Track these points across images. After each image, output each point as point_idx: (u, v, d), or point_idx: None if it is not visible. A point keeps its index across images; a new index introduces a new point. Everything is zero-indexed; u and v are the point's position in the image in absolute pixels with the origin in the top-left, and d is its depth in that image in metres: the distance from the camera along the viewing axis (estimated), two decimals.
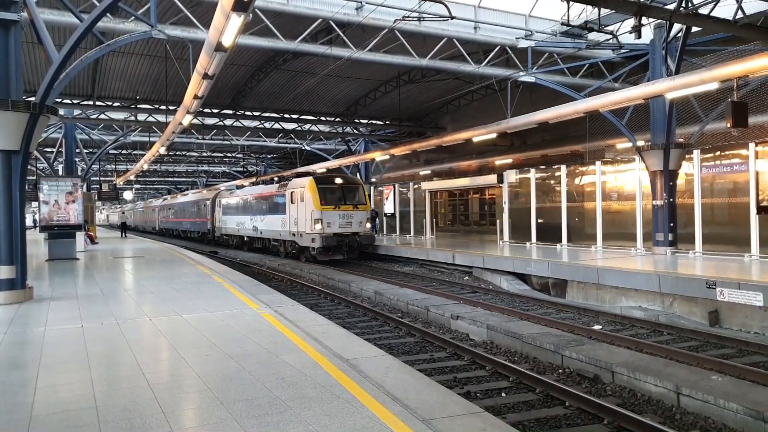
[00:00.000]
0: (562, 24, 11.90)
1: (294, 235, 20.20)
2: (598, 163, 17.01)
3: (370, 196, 23.35)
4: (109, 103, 21.45)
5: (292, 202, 20.43)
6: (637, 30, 9.94)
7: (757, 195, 12.69)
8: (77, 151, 24.77)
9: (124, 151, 34.33)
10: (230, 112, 23.36)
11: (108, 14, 10.12)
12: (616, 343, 8.13)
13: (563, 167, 17.93)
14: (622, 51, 15.49)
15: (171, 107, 19.49)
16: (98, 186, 32.16)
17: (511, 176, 20.16)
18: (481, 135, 17.39)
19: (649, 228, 15.12)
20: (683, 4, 10.67)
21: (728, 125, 10.82)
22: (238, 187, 31.31)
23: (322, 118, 25.64)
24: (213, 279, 11.58)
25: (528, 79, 15.74)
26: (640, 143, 15.00)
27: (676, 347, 7.97)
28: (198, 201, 34.23)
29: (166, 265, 14.98)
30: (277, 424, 3.75)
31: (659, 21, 13.54)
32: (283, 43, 13.07)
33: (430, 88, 22.60)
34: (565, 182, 17.77)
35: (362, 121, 26.81)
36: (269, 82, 21.22)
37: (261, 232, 23.85)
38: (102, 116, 22.44)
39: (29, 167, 10.40)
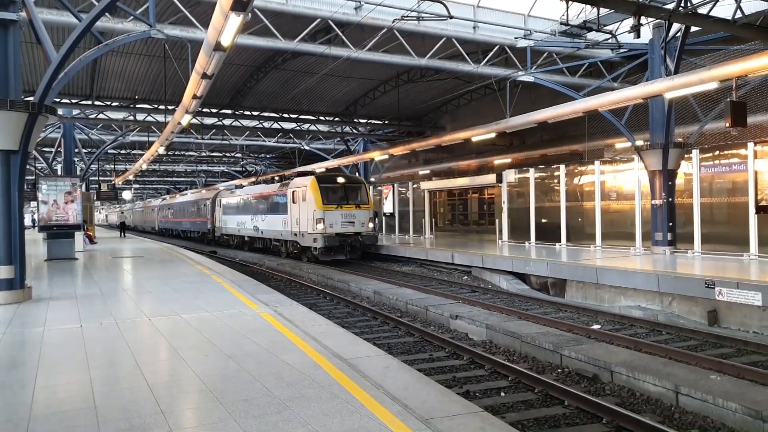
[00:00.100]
0: (561, 24, 11.90)
1: (296, 235, 20.00)
2: (597, 162, 17.02)
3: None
4: (108, 103, 21.44)
5: (293, 202, 20.19)
6: (636, 29, 9.94)
7: (756, 195, 12.70)
8: (76, 150, 24.75)
9: (122, 151, 34.29)
10: (229, 111, 23.35)
11: (106, 14, 10.12)
12: (615, 343, 8.14)
13: (562, 167, 17.94)
14: (621, 50, 15.50)
15: (170, 107, 19.47)
16: (97, 186, 32.15)
17: (510, 176, 20.17)
18: (480, 135, 17.39)
19: (648, 227, 15.13)
20: (682, 4, 10.68)
21: (727, 125, 10.82)
22: (238, 187, 31.19)
23: (321, 118, 25.63)
24: (212, 279, 11.58)
25: (527, 78, 15.75)
26: (639, 143, 15.01)
27: (675, 347, 7.98)
28: (198, 200, 34.04)
29: (165, 264, 14.98)
30: (276, 423, 3.75)
31: (658, 21, 13.54)
32: (282, 42, 13.06)
33: (429, 87, 22.61)
34: (564, 182, 17.78)
35: (361, 120, 26.81)
36: (268, 81, 21.21)
37: (262, 232, 23.65)
38: (101, 116, 22.42)
39: (28, 167, 10.40)
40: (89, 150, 28.60)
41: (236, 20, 7.15)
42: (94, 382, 4.68)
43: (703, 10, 11.30)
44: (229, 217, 27.93)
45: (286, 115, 25.37)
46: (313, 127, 26.40)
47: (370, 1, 13.09)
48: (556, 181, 18.32)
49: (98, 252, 20.05)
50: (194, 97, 11.74)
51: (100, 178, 34.89)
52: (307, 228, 18.97)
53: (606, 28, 13.37)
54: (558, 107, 14.30)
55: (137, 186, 62.46)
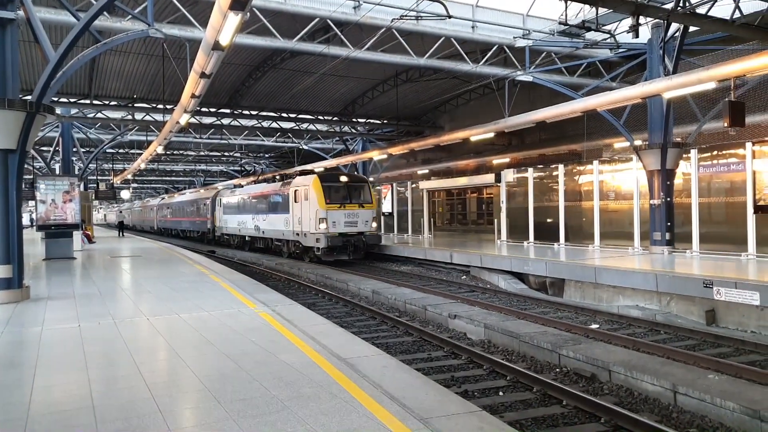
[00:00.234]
0: (560, 23, 11.91)
1: (298, 234, 19.71)
2: (595, 162, 17.04)
3: None
4: (106, 102, 21.42)
5: (295, 201, 19.87)
6: (634, 29, 9.96)
7: (754, 194, 12.73)
8: (74, 150, 24.70)
9: (121, 150, 34.24)
10: (228, 111, 23.31)
11: (105, 13, 10.10)
12: (614, 342, 8.15)
13: (561, 166, 17.95)
14: (620, 50, 15.51)
15: (168, 106, 19.46)
16: (95, 185, 32.10)
17: (509, 175, 20.17)
18: (478, 134, 17.40)
19: (646, 227, 15.15)
20: (680, 4, 10.68)
21: (725, 125, 10.84)
22: (237, 186, 31.07)
23: (320, 117, 25.62)
24: (211, 278, 11.57)
25: (526, 78, 15.75)
26: (638, 142, 15.03)
27: (673, 346, 7.99)
28: (198, 200, 33.70)
29: (164, 264, 14.96)
30: (274, 423, 3.74)
31: (657, 20, 13.56)
32: (281, 42, 13.05)
33: (427, 87, 22.62)
34: (563, 181, 17.79)
35: (360, 120, 26.81)
36: (267, 81, 21.20)
37: (263, 232, 23.35)
38: (99, 115, 22.38)
39: (26, 166, 10.37)
40: (87, 149, 28.53)
41: (235, 19, 7.14)
42: (92, 382, 4.67)
43: (701, 10, 11.31)
44: (230, 216, 27.62)
45: (284, 115, 25.36)
46: (311, 127, 26.40)
47: (369, 1, 13.09)
48: (554, 180, 18.33)
49: (96, 251, 20.03)
50: (193, 96, 11.73)
51: (99, 178, 34.87)
52: (310, 228, 18.68)
53: (604, 27, 13.39)
54: (556, 107, 14.32)
55: (135, 185, 62.38)
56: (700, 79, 10.65)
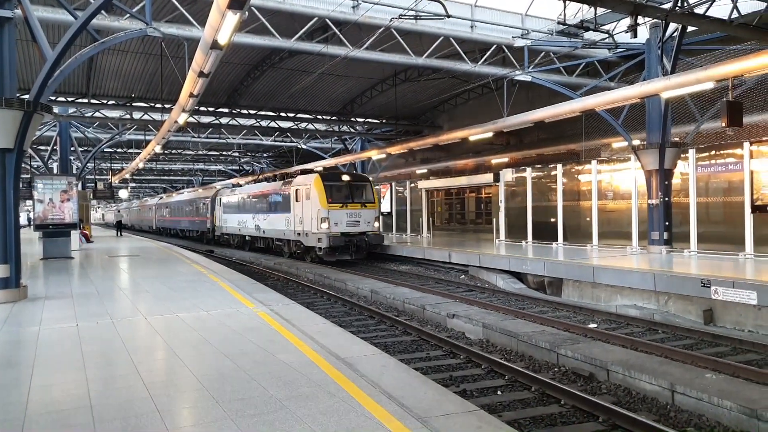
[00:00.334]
0: (559, 23, 11.94)
1: (299, 234, 19.43)
2: (594, 162, 17.06)
3: None
4: (104, 101, 21.38)
5: (297, 200, 19.56)
6: (633, 29, 9.96)
7: (752, 194, 12.76)
8: (72, 149, 24.65)
9: (119, 150, 34.22)
10: (226, 110, 23.30)
11: (103, 12, 10.09)
12: (612, 342, 8.16)
13: (559, 166, 17.97)
14: (618, 50, 15.53)
15: (166, 105, 19.45)
16: (93, 184, 32.04)
17: (508, 175, 20.19)
18: (477, 134, 17.41)
19: (644, 227, 15.17)
20: (679, 4, 10.69)
21: (723, 124, 10.86)
22: (236, 185, 30.94)
23: (319, 117, 25.61)
24: (209, 278, 11.56)
25: (524, 78, 15.76)
26: (636, 142, 15.04)
27: (670, 345, 8.00)
28: (197, 199, 33.36)
29: (162, 263, 14.94)
30: (272, 423, 3.74)
31: (655, 20, 13.58)
32: (279, 41, 13.04)
33: (426, 86, 22.62)
34: (561, 181, 17.81)
35: (359, 119, 26.80)
36: (265, 80, 21.18)
37: (264, 232, 23.06)
38: (97, 114, 22.36)
39: (23, 165, 10.35)
40: (85, 148, 28.51)
41: (233, 18, 7.13)
42: (90, 382, 4.66)
43: (699, 10, 11.33)
44: (230, 216, 27.32)
45: (283, 114, 25.35)
46: (310, 126, 26.39)
47: (368, 0, 13.08)
48: (553, 180, 18.35)
49: (94, 251, 20.00)
50: (191, 95, 11.72)
51: (97, 177, 34.81)
52: (311, 227, 18.40)
53: (603, 27, 13.40)
54: (555, 107, 14.33)
55: (134, 185, 62.34)
56: (698, 79, 10.67)
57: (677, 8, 10.63)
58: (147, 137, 26.09)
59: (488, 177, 21.71)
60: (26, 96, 8.70)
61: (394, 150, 23.05)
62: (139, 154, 28.94)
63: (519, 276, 14.43)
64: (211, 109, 22.68)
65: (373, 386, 4.44)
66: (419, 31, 14.19)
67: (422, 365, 7.28)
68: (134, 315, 7.54)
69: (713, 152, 14.26)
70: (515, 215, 19.65)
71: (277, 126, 26.10)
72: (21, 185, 10.45)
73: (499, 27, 15.38)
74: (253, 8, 11.73)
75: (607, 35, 13.53)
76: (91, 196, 29.94)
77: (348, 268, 17.68)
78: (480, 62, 15.75)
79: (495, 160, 24.90)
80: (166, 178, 56.97)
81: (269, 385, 4.48)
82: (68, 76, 16.08)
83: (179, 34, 11.81)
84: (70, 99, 20.47)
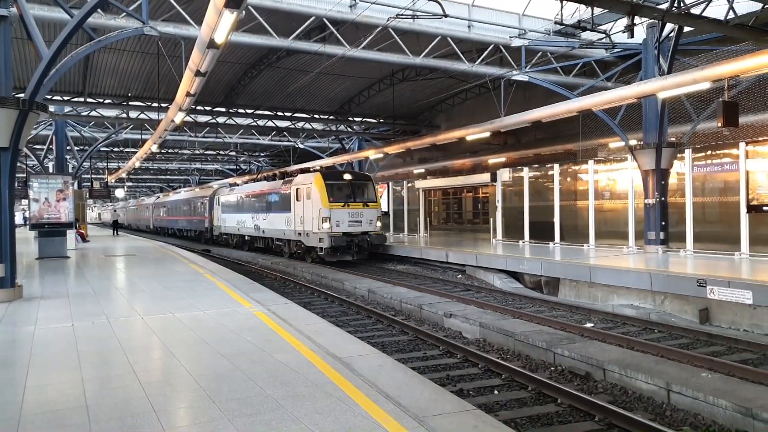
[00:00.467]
0: (556, 23, 11.95)
1: (300, 234, 19.09)
2: (590, 162, 17.09)
3: None
4: (101, 100, 21.32)
5: (297, 200, 19.19)
6: (629, 29, 10.00)
7: (748, 194, 12.80)
8: (68, 148, 24.51)
9: (115, 149, 34.10)
10: (223, 109, 23.26)
11: (99, 10, 10.06)
12: (608, 341, 8.18)
13: (556, 166, 18.00)
14: (615, 50, 15.57)
15: (163, 104, 19.38)
16: (89, 184, 31.90)
17: (505, 175, 20.20)
18: (474, 133, 17.42)
19: (641, 226, 15.21)
20: (675, 4, 10.72)
21: (719, 125, 10.90)
22: (233, 185, 30.83)
23: (316, 116, 25.59)
24: (206, 277, 11.54)
25: (521, 77, 15.78)
26: (633, 142, 15.07)
27: (666, 345, 8.02)
28: (195, 198, 33.08)
29: (159, 263, 14.91)
30: (269, 422, 3.73)
31: (652, 20, 13.60)
32: (277, 40, 13.02)
33: (423, 86, 22.62)
34: (558, 181, 17.84)
35: (356, 119, 26.79)
36: (262, 79, 21.15)
37: (263, 231, 22.68)
38: (93, 113, 22.26)
39: (19, 165, 10.32)
40: (81, 147, 28.42)
41: (230, 17, 7.12)
42: (86, 382, 4.64)
43: (696, 11, 11.35)
44: (229, 215, 26.91)
45: (280, 113, 25.31)
46: (307, 126, 26.36)
47: (365, 0, 13.07)
48: (550, 180, 18.38)
49: (90, 250, 19.93)
50: (188, 94, 11.70)
51: (93, 176, 34.68)
52: (312, 227, 18.04)
53: (600, 27, 13.40)
54: (552, 106, 14.35)
55: (130, 184, 62.20)
56: (695, 79, 10.71)
57: (674, 8, 10.66)
58: (143, 136, 26.02)
59: (485, 177, 21.74)
60: (22, 94, 8.67)
61: (392, 150, 23.05)
62: (135, 153, 28.87)
63: (516, 275, 14.45)
64: (208, 108, 22.63)
65: (370, 386, 4.43)
66: (416, 30, 14.19)
67: (419, 365, 7.28)
68: (130, 315, 7.51)
69: (709, 152, 14.30)
70: (512, 215, 19.67)
71: (274, 125, 26.06)
72: (16, 184, 10.41)
73: (497, 27, 15.39)
74: (250, 7, 11.71)
75: (604, 35, 13.55)
76: (87, 196, 29.83)
77: (345, 268, 17.65)
78: (477, 62, 15.76)
79: (492, 160, 24.92)
80: (162, 177, 56.82)
81: (266, 385, 4.47)
82: (64, 75, 16.02)
83: (176, 33, 11.77)
84: (66, 98, 20.41)
